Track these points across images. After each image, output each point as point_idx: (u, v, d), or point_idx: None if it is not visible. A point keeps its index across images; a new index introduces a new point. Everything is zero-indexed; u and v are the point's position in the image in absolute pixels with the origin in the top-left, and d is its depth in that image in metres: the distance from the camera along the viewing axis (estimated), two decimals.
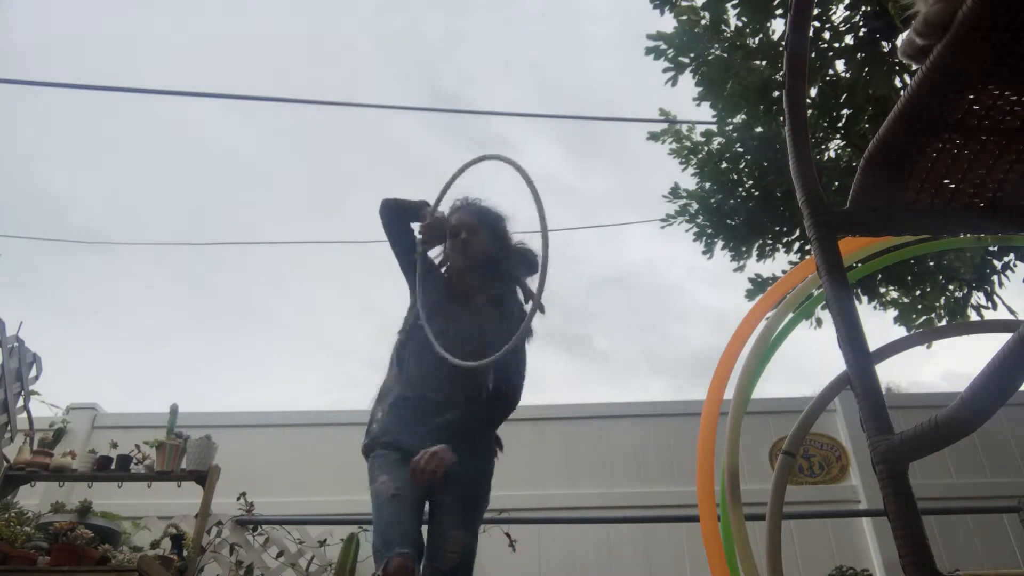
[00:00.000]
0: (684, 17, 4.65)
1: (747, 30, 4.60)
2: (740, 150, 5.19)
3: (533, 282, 2.10)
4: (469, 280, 2.07)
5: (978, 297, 4.98)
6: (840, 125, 4.76)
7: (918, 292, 5.06)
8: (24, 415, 3.83)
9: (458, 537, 1.74)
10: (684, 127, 5.46)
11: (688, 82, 4.82)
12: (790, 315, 2.63)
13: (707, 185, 5.33)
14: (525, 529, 4.59)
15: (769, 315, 2.71)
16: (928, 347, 4.09)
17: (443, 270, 2.14)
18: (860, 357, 0.79)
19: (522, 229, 2.18)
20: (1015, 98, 0.74)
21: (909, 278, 5.04)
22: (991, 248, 4.68)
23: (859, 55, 4.35)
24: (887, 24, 4.14)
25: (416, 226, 2.09)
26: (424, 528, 1.79)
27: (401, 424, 1.87)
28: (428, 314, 1.94)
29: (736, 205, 5.23)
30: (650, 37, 4.72)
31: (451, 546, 1.72)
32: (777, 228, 5.26)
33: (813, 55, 4.36)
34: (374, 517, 1.72)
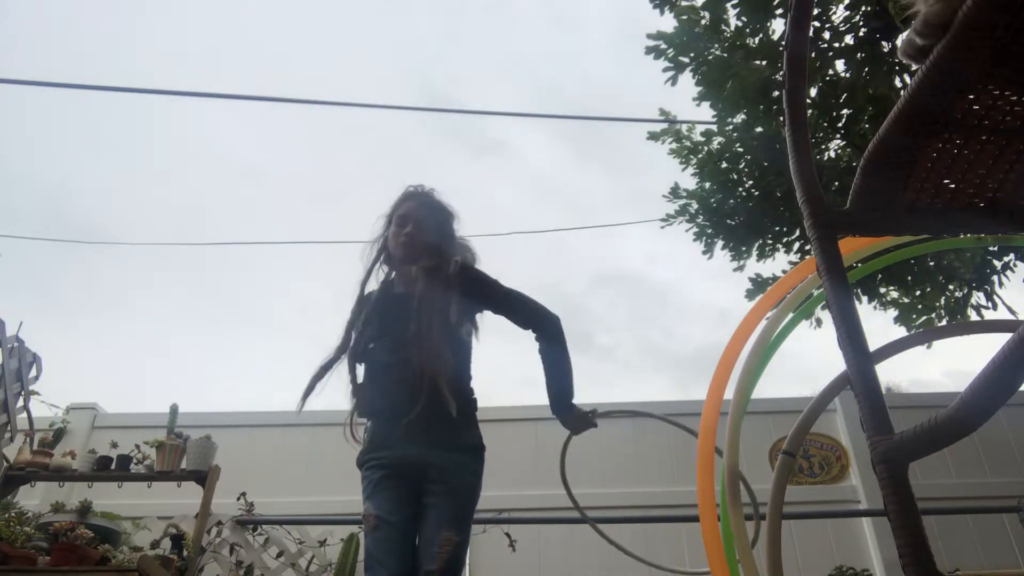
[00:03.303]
0: (684, 17, 4.65)
1: (747, 30, 4.60)
2: (740, 150, 5.19)
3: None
4: (407, 274, 2.01)
5: (978, 297, 4.98)
6: (840, 125, 4.76)
7: (918, 292, 5.06)
8: (24, 415, 3.83)
9: (448, 538, 1.72)
10: (684, 127, 5.47)
11: (688, 82, 4.83)
12: (790, 315, 2.63)
13: (707, 185, 5.33)
14: (525, 529, 4.59)
15: (769, 315, 2.70)
16: (928, 347, 4.10)
17: (380, 259, 2.08)
18: (860, 357, 0.79)
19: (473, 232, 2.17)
20: (1015, 98, 0.74)
21: (909, 278, 5.04)
22: (991, 248, 4.68)
23: (859, 55, 4.35)
24: (887, 24, 4.14)
25: None
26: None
27: (378, 435, 1.90)
28: (374, 334, 1.96)
29: (736, 205, 5.23)
30: (650, 37, 4.72)
31: (440, 548, 1.70)
32: (777, 228, 5.26)
33: (813, 55, 4.36)
34: (364, 547, 1.77)
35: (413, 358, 1.85)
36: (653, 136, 5.56)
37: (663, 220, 5.50)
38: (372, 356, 1.98)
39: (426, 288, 1.93)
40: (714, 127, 5.25)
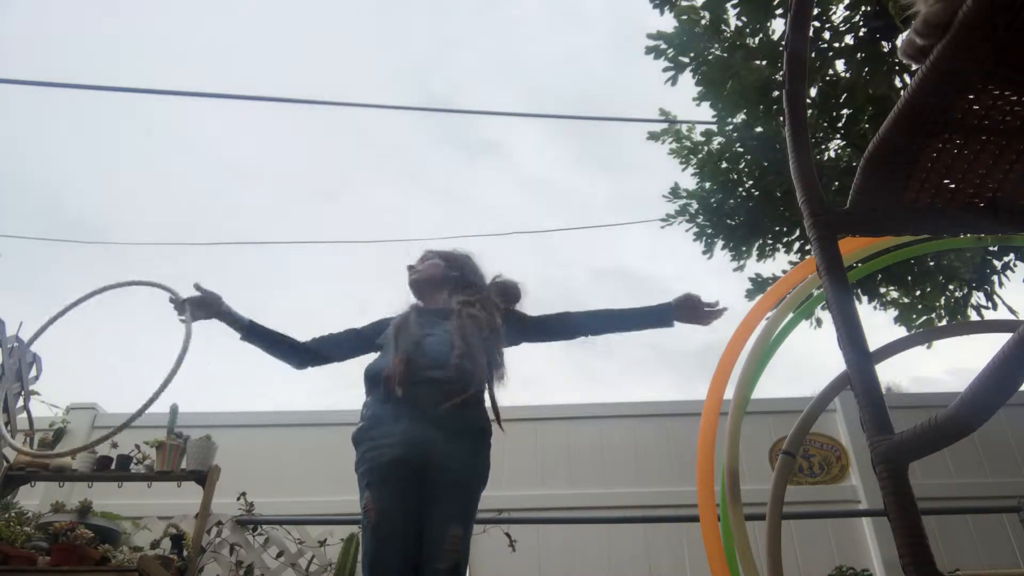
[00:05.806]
0: (684, 17, 4.65)
1: (747, 30, 4.60)
2: (740, 150, 5.19)
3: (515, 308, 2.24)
4: (426, 293, 2.20)
5: (978, 297, 4.98)
6: (840, 125, 4.76)
7: (918, 292, 5.06)
8: (24, 415, 3.82)
9: (457, 535, 1.70)
10: (684, 127, 5.46)
11: (688, 82, 4.83)
12: (790, 315, 2.63)
13: (707, 185, 5.33)
14: (525, 529, 4.58)
15: (769, 315, 2.71)
16: (928, 347, 4.10)
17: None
18: (860, 357, 0.79)
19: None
20: (1015, 98, 0.74)
21: (909, 278, 5.04)
22: (991, 248, 4.68)
23: (859, 55, 4.35)
24: (887, 24, 4.14)
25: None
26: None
27: (387, 420, 1.82)
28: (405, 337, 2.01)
29: (736, 205, 5.23)
30: (650, 36, 4.72)
31: (450, 544, 1.67)
32: (777, 228, 5.26)
33: (813, 55, 4.36)
34: (362, 541, 1.71)
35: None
36: (653, 136, 5.56)
37: (663, 220, 5.50)
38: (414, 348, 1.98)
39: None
40: (714, 127, 5.25)
